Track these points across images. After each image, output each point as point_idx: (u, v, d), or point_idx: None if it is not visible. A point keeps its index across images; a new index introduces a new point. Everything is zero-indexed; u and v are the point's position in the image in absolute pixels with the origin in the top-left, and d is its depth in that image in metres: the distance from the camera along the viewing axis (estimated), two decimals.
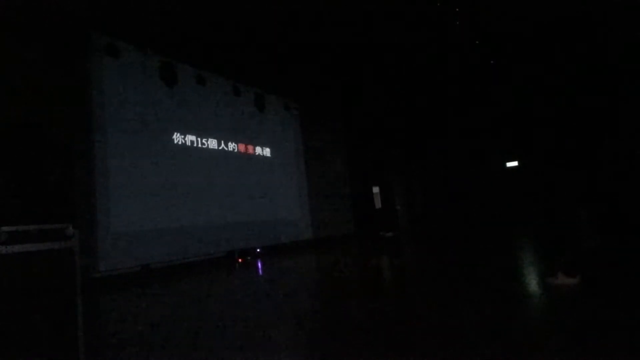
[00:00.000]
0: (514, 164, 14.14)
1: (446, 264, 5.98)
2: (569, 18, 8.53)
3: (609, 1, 7.75)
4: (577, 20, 8.50)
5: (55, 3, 6.10)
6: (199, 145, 8.70)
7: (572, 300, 3.20)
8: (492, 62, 10.80)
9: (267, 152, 10.69)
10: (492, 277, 4.52)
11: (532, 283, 4.07)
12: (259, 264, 7.94)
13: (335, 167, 13.50)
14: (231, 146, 9.53)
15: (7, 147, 2.04)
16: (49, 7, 6.06)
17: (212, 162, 8.92)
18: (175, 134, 8.19)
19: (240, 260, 8.59)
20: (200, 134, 8.73)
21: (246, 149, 9.99)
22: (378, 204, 14.93)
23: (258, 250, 9.36)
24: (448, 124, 14.54)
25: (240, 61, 9.41)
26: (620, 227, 6.51)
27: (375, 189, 15.00)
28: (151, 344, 2.95)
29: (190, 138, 8.49)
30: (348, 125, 14.22)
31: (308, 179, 12.11)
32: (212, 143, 9.02)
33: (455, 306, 3.27)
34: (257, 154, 10.33)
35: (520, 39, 9.74)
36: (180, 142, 8.26)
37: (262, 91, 10.57)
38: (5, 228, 1.81)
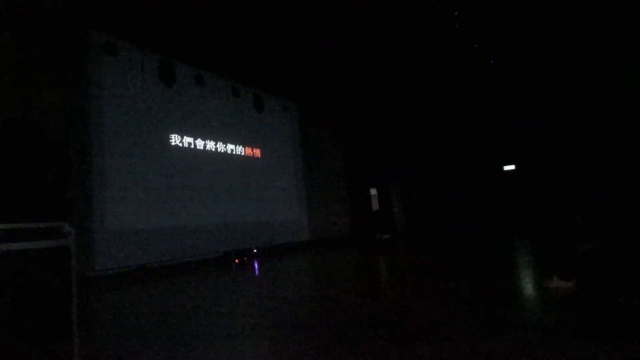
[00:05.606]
0: (511, 167, 14.19)
1: (442, 266, 5.99)
2: (567, 18, 8.56)
3: (608, 2, 7.77)
4: (575, 21, 8.53)
5: (54, 1, 6.08)
6: (197, 146, 8.69)
7: (567, 303, 3.21)
8: (492, 62, 10.82)
9: (265, 153, 10.68)
10: (488, 280, 4.53)
11: (528, 286, 4.08)
12: (256, 265, 7.92)
13: (333, 168, 13.51)
14: (229, 147, 9.52)
15: (4, 144, 2.03)
16: (48, 5, 6.04)
17: (210, 162, 8.90)
18: (173, 133, 8.17)
19: (237, 260, 8.57)
20: (198, 134, 8.72)
21: (244, 149, 9.98)
22: (375, 205, 14.94)
23: (255, 251, 9.34)
24: (446, 126, 14.58)
25: (239, 61, 9.41)
26: (616, 230, 6.54)
27: (373, 191, 15.02)
28: (145, 343, 2.94)
29: (187, 138, 8.48)
30: (346, 127, 14.24)
31: (305, 180, 12.11)
32: (210, 143, 9.01)
33: (449, 308, 3.28)
34: (255, 154, 10.32)
35: (519, 40, 9.77)
36: (177, 142, 8.25)
37: (261, 92, 10.57)
38: (1, 226, 1.81)
